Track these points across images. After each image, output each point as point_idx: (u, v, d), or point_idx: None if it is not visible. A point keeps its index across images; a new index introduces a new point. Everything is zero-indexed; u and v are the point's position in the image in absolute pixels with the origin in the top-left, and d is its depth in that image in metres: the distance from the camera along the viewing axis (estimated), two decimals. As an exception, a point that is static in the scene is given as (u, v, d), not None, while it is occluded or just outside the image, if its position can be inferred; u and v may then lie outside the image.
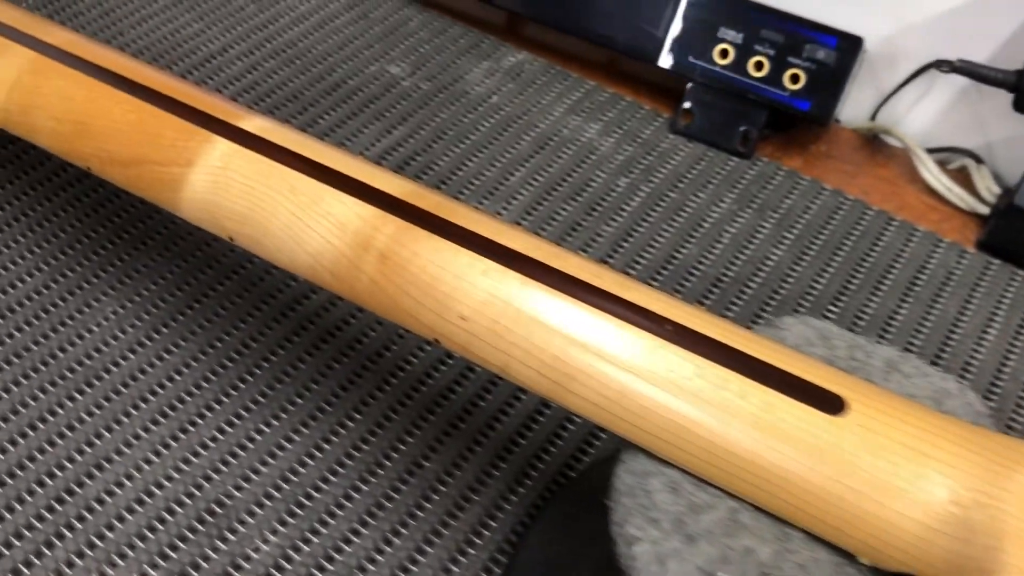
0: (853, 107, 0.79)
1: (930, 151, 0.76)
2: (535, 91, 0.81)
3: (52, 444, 0.56)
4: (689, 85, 0.76)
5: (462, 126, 0.77)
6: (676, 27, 0.76)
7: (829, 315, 0.65)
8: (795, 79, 0.73)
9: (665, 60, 0.76)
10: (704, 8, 0.75)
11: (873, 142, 0.78)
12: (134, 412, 0.57)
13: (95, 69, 0.54)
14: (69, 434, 0.56)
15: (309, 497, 0.54)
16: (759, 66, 0.73)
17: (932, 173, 0.74)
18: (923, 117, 0.77)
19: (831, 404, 0.35)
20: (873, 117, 0.78)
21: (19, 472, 0.54)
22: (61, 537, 0.52)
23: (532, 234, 0.43)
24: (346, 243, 0.43)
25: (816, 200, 0.73)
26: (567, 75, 0.82)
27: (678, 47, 0.76)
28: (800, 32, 0.72)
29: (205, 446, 0.56)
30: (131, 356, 0.60)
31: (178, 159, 0.49)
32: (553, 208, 0.71)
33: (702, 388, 0.35)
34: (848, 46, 0.72)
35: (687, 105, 0.77)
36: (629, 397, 0.36)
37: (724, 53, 0.74)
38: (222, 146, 0.48)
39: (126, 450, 0.56)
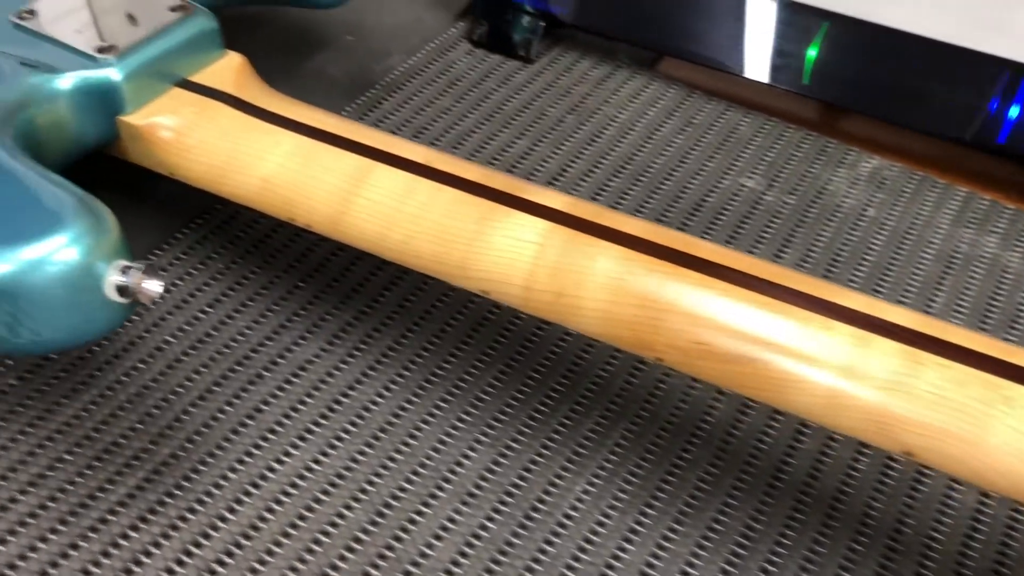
0: None
1: None
2: (908, 201, 0.75)
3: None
4: (1098, 193, 0.71)
5: (853, 246, 0.71)
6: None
7: None
8: None
9: (1065, 166, 0.71)
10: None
11: None
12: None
13: (647, 245, 0.48)
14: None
15: None
16: None
17: None
18: None
19: None
20: None
21: None
22: None
23: None
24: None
25: None
26: (935, 181, 0.77)
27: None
28: None
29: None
30: (629, 547, 0.54)
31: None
32: (995, 339, 0.65)
33: None
34: None
35: (1095, 214, 0.71)
36: None
37: None
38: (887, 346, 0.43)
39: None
